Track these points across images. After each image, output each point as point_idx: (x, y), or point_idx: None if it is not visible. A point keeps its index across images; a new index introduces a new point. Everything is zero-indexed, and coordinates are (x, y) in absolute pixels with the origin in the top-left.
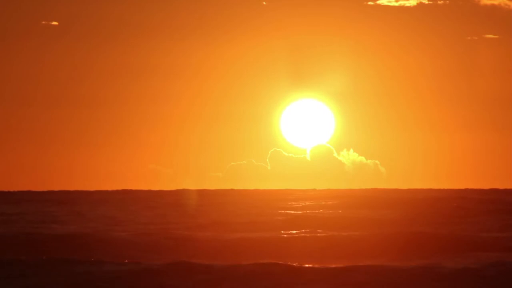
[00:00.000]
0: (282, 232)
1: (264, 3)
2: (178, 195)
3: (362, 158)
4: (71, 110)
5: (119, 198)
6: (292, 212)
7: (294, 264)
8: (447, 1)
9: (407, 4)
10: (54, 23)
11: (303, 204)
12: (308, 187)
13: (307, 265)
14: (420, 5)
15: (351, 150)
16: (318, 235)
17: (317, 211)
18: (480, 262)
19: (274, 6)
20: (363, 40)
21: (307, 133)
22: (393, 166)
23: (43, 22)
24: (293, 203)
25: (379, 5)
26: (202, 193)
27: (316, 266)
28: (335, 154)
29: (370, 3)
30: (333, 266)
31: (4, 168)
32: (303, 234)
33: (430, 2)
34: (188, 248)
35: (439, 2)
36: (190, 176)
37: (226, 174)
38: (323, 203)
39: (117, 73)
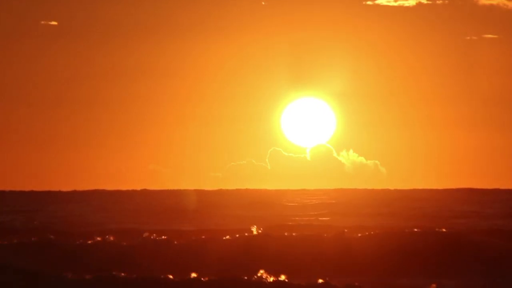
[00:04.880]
0: None
1: (263, 3)
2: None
3: (362, 159)
4: (71, 110)
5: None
6: None
7: None
8: (446, 1)
9: (406, 4)
10: (54, 23)
11: None
12: (309, 187)
13: None
14: (419, 5)
15: (351, 150)
16: None
17: None
18: None
19: (274, 6)
20: (362, 40)
21: (308, 132)
22: (393, 166)
23: (43, 22)
24: None
25: (378, 5)
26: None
27: None
28: (335, 154)
29: (369, 2)
30: None
31: (3, 168)
32: None
33: (429, 2)
34: None
35: (438, 2)
36: (189, 176)
37: (225, 174)
38: None
39: (117, 72)
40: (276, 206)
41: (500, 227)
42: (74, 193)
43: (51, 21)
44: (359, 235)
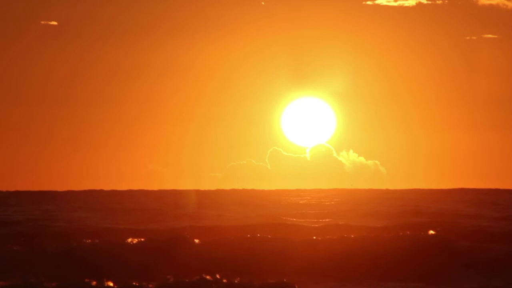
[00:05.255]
0: None
1: (263, 3)
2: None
3: (362, 159)
4: (70, 110)
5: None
6: None
7: None
8: (446, 1)
9: (406, 4)
10: (53, 23)
11: None
12: (308, 187)
13: None
14: (419, 5)
15: (351, 150)
16: None
17: None
18: None
19: (274, 6)
20: (362, 40)
21: (308, 132)
22: (393, 166)
23: (42, 22)
24: None
25: (378, 5)
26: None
27: None
28: (335, 154)
29: (369, 2)
30: None
31: (3, 168)
32: None
33: (429, 2)
34: None
35: (437, 2)
36: (189, 176)
37: (225, 174)
38: None
39: (117, 72)
40: (269, 206)
41: (499, 228)
42: (71, 193)
43: (51, 21)
44: (350, 235)
